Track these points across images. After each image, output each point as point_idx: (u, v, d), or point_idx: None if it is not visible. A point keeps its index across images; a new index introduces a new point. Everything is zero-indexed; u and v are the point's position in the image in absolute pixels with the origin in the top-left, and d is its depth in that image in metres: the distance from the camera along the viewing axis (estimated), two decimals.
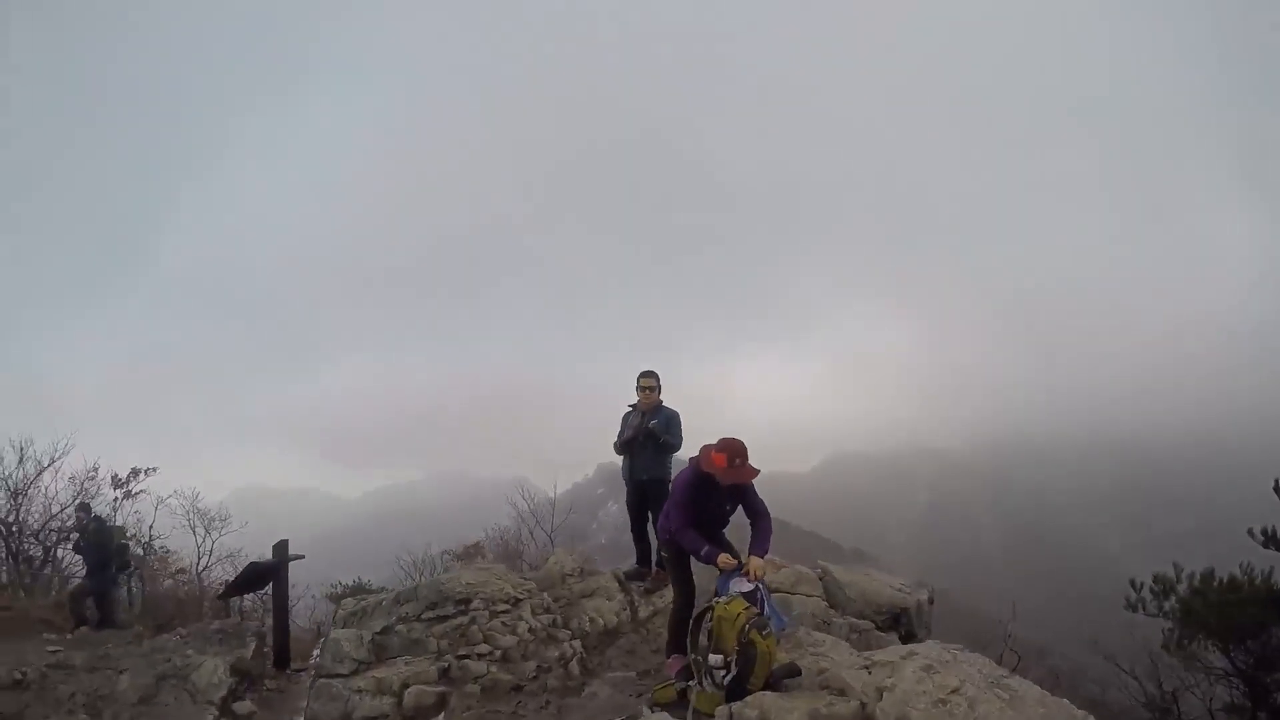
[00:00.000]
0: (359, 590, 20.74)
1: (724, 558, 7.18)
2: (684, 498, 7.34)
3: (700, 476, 7.24)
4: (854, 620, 10.32)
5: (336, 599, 20.62)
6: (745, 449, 7.14)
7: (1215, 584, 13.25)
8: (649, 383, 10.74)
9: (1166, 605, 13.47)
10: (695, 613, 7.13)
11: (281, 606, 10.46)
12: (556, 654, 9.06)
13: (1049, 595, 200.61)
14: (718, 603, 6.75)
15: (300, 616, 20.14)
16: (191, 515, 20.54)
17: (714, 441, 7.28)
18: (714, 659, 6.43)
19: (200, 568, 19.90)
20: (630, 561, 11.89)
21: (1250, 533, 13.63)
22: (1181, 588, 13.56)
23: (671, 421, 10.69)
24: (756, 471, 7.25)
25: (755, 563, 7.20)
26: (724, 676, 6.32)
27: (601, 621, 10.19)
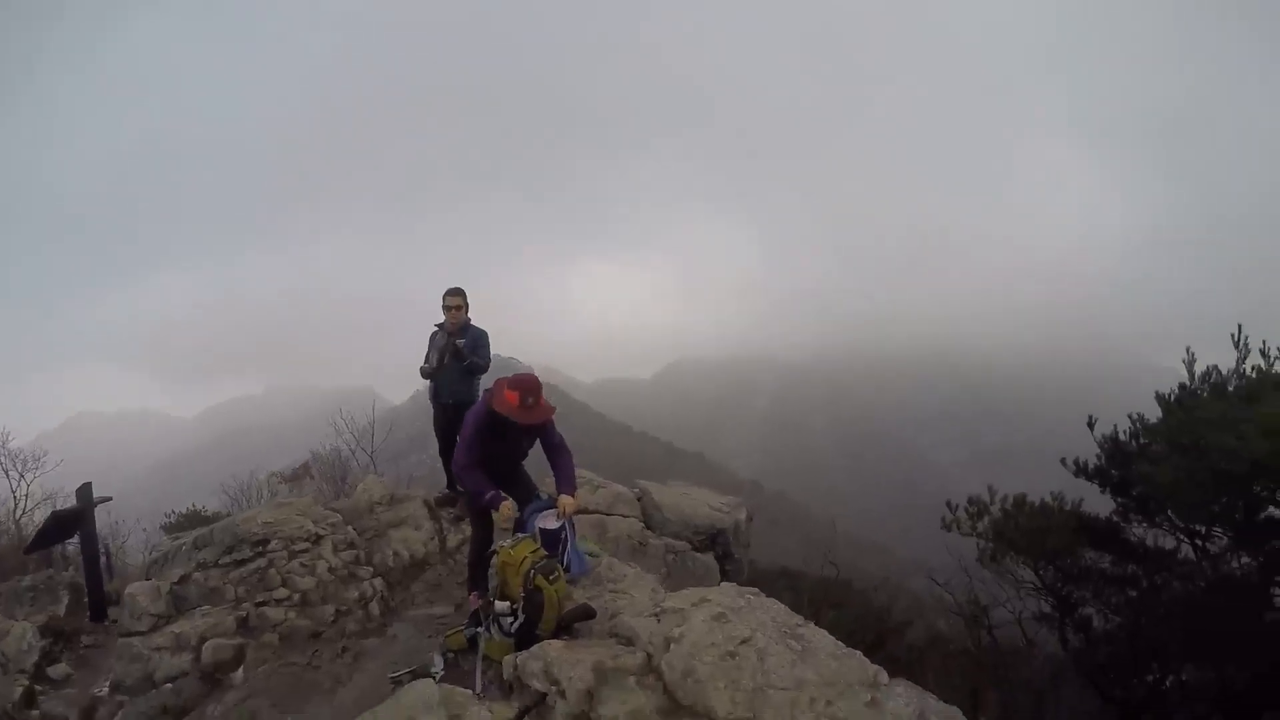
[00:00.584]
0: (194, 518, 20.30)
1: (505, 507, 6.73)
2: (472, 435, 6.83)
3: (492, 414, 6.74)
4: (670, 541, 10.22)
5: (170, 530, 19.88)
6: (539, 386, 6.71)
7: (1026, 509, 13.57)
8: (455, 301, 10.07)
9: (980, 526, 13.74)
10: (483, 556, 6.86)
11: (91, 555, 9.54)
12: (356, 594, 8.49)
13: (880, 499, 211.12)
14: (502, 546, 6.44)
15: (136, 554, 19.39)
16: (2, 458, 19.07)
17: (509, 376, 6.85)
18: (500, 605, 6.12)
19: (18, 514, 18.60)
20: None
21: (1063, 462, 13.90)
22: (995, 509, 13.83)
23: (479, 341, 10.11)
24: (551, 410, 6.87)
25: (566, 502, 6.85)
26: (511, 624, 6.01)
27: (407, 554, 9.60)
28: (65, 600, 9.53)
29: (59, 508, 10.14)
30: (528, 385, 6.62)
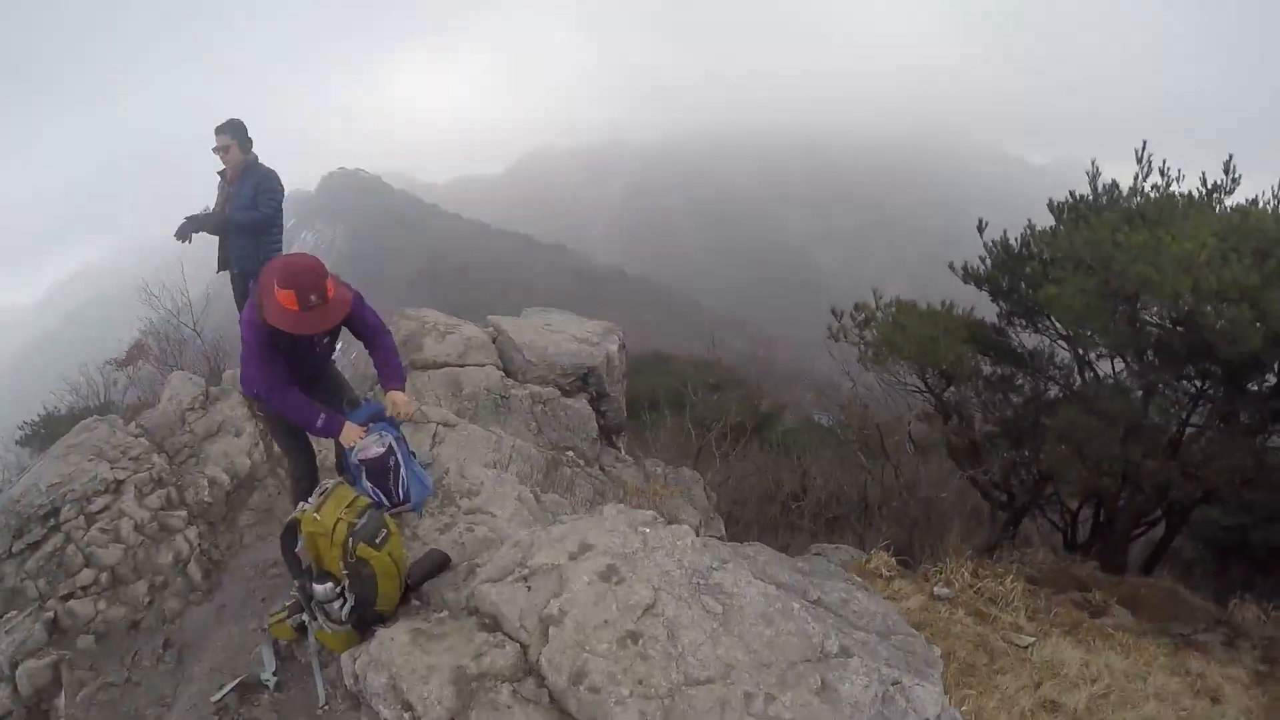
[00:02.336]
0: (49, 421, 18.29)
1: (349, 430, 5.12)
2: (261, 351, 4.91)
3: (270, 327, 4.82)
4: (536, 389, 9.05)
5: (27, 443, 18.26)
6: (323, 273, 4.72)
7: (915, 315, 13.09)
8: (222, 140, 7.87)
9: (867, 335, 13.16)
10: (282, 529, 4.95)
11: None
12: (170, 556, 6.47)
13: (741, 275, 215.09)
14: (303, 511, 4.66)
15: None
16: None
17: (278, 264, 4.87)
18: (320, 590, 4.50)
19: None
20: None
21: (951, 267, 13.64)
22: (881, 316, 13.29)
23: (260, 188, 7.92)
24: (348, 301, 4.90)
25: (397, 400, 5.30)
26: (341, 608, 4.46)
27: (228, 476, 7.44)
28: None
29: None
30: (305, 278, 4.60)
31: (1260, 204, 11.51)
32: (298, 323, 4.64)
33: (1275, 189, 11.54)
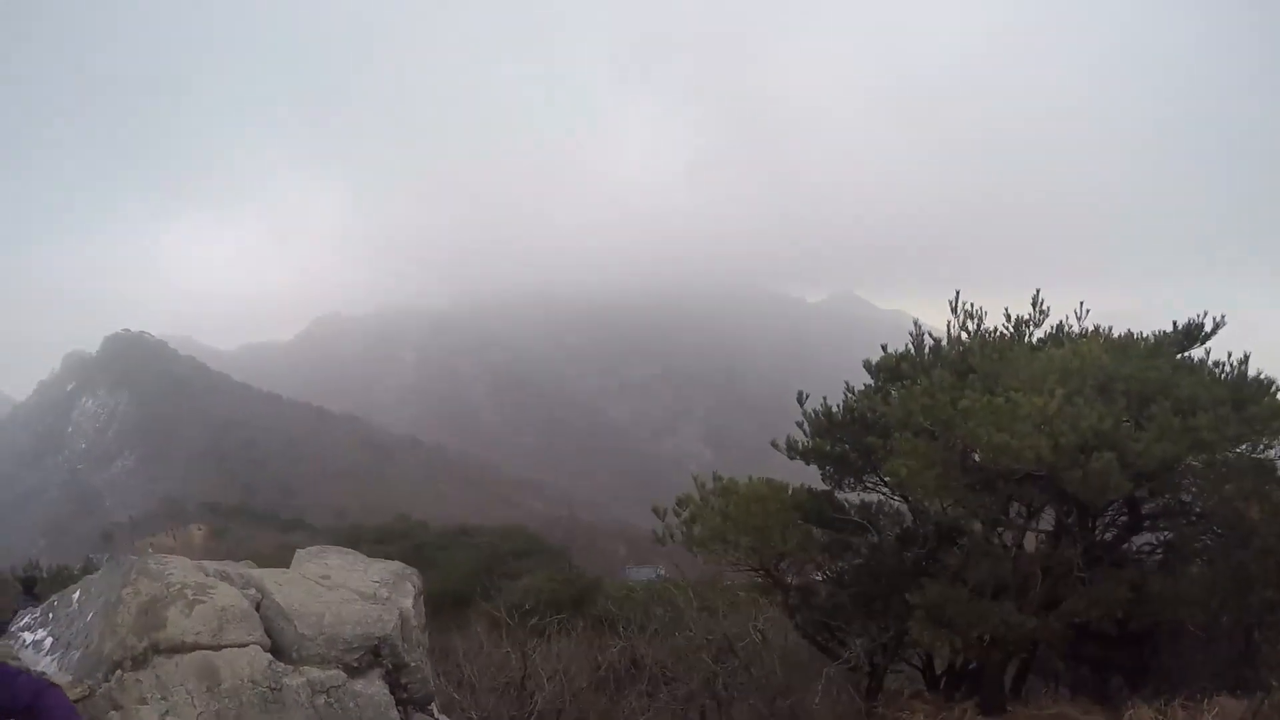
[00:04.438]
0: None
1: None
2: None
3: None
4: (315, 674, 6.91)
5: None
6: None
7: (737, 496, 12.24)
8: None
9: (695, 529, 12.11)
10: None
11: None
12: None
13: (536, 436, 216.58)
14: None
15: None
16: None
17: None
18: None
19: None
20: None
21: (774, 445, 13.01)
22: (704, 504, 12.33)
23: None
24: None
25: None
26: None
27: None
28: None
29: None
30: None
31: (1068, 333, 11.81)
32: None
33: (1078, 313, 11.87)
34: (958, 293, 11.93)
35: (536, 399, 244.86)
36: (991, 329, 11.80)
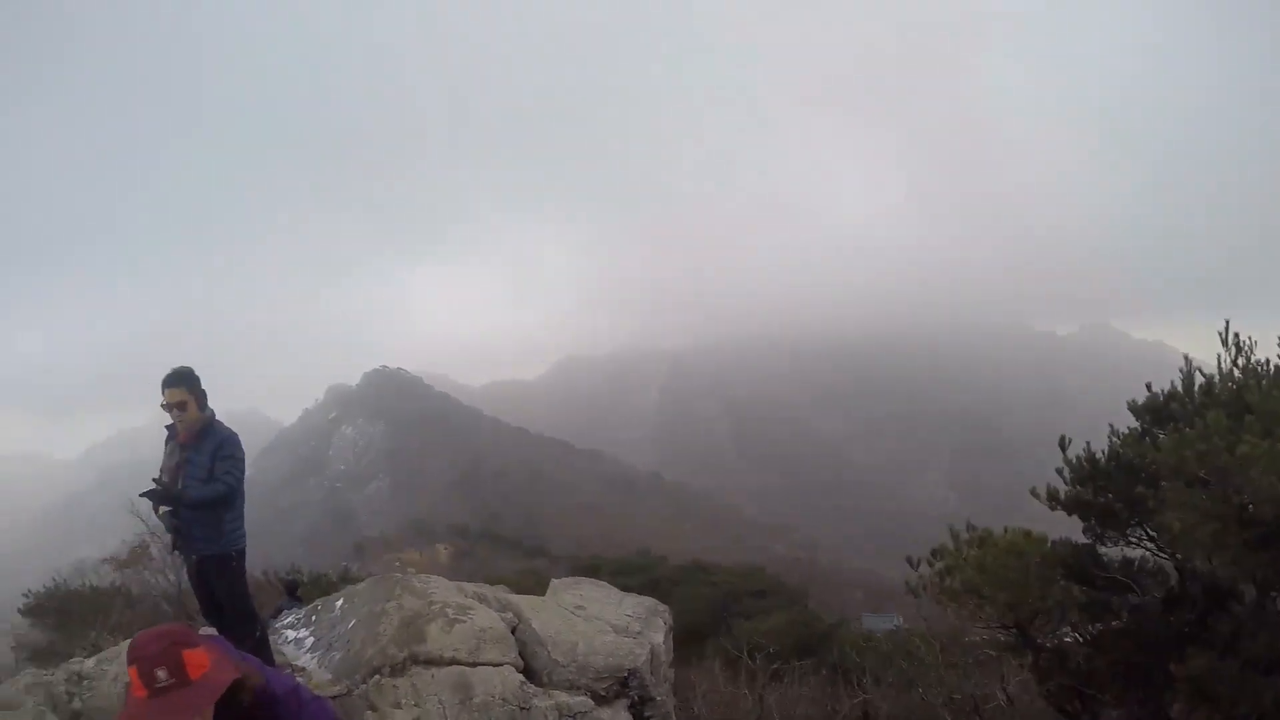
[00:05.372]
0: (55, 594, 18.86)
1: None
2: None
3: None
4: (563, 699, 7.27)
5: (28, 612, 18.49)
6: (181, 640, 2.97)
7: (993, 548, 11.51)
8: (176, 395, 6.44)
9: (949, 582, 11.59)
10: None
11: None
12: None
13: (780, 478, 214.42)
14: None
15: None
16: None
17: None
18: None
19: None
20: None
21: (1034, 493, 11.96)
22: (959, 555, 11.77)
23: (219, 454, 6.44)
24: (219, 686, 2.99)
25: None
26: None
27: None
28: None
29: None
30: (150, 647, 2.94)
31: None
32: (142, 714, 2.88)
33: None
34: (1227, 322, 10.70)
35: (777, 440, 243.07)
36: (1263, 361, 10.43)
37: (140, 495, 6.52)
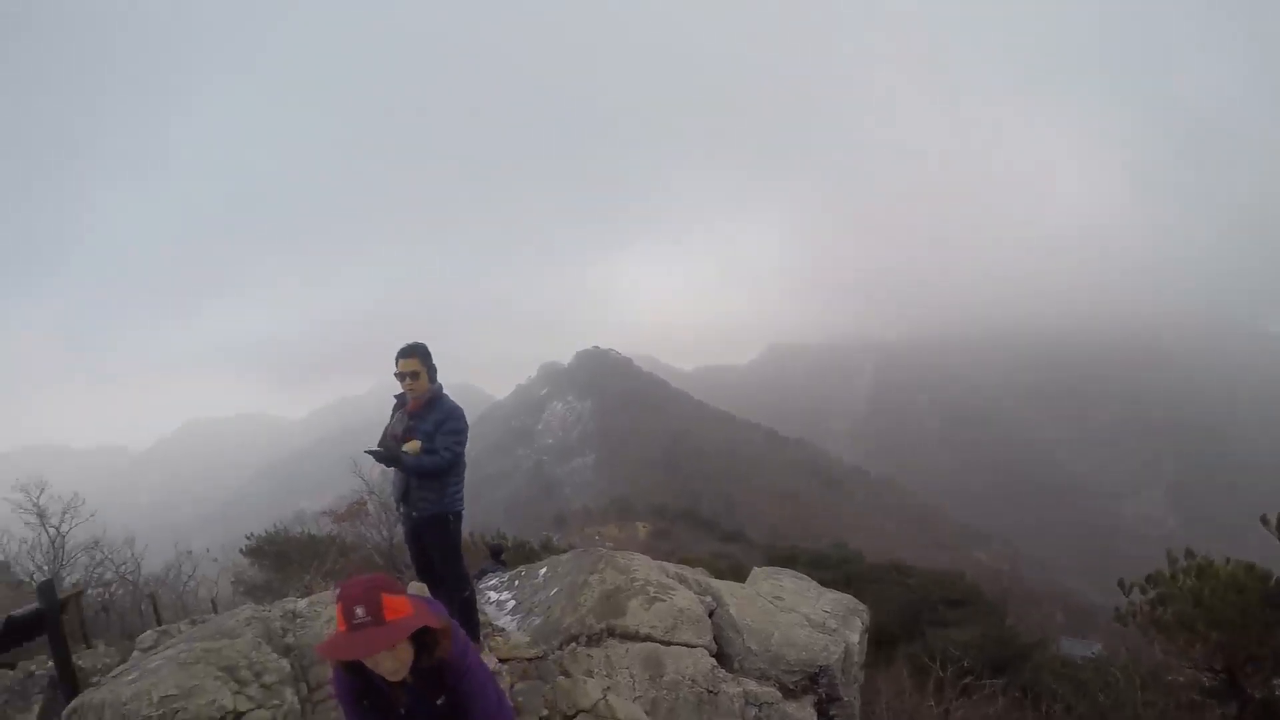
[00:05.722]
0: (274, 539, 20.43)
1: None
2: (344, 699, 3.73)
3: (339, 667, 3.66)
4: (752, 687, 7.41)
5: (250, 553, 20.22)
6: (381, 585, 3.42)
7: (1212, 579, 10.91)
8: (409, 365, 6.84)
9: (1162, 614, 11.11)
10: None
11: (63, 662, 7.39)
12: None
13: (988, 481, 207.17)
14: None
15: (210, 587, 18.71)
16: (38, 511, 17.53)
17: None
18: None
19: (53, 570, 17.20)
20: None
21: (1265, 521, 11.06)
22: (1176, 583, 11.22)
23: (443, 427, 6.83)
24: (406, 627, 3.38)
25: None
26: None
27: None
28: (37, 707, 7.51)
29: (14, 611, 7.92)
30: (355, 588, 3.40)
31: None
32: (336, 646, 3.38)
33: None
34: None
35: (988, 441, 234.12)
36: None
37: (365, 452, 6.92)
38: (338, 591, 3.46)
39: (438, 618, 3.59)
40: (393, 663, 3.41)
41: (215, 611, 14.41)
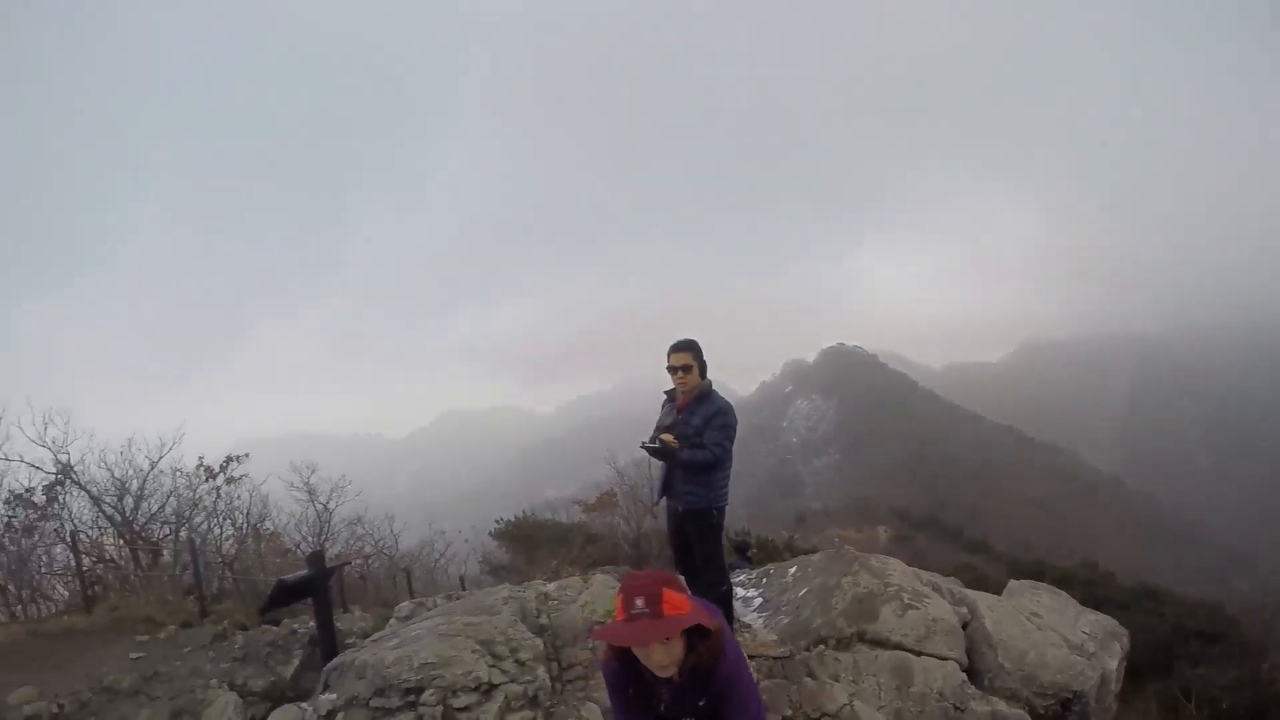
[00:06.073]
0: (523, 524, 21.32)
1: None
2: (611, 686, 3.96)
3: (611, 656, 3.86)
4: (1001, 707, 7.10)
5: (498, 535, 21.28)
6: (663, 581, 3.56)
7: None
8: (682, 360, 6.97)
9: None
10: None
11: (325, 624, 8.30)
12: None
13: (1256, 500, 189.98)
14: None
15: (459, 565, 20.29)
16: (309, 489, 19.44)
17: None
18: None
19: (321, 543, 18.84)
20: None
21: None
22: None
23: (711, 423, 6.91)
24: (680, 621, 3.48)
25: None
26: None
27: None
28: (296, 661, 8.29)
29: (285, 577, 8.79)
30: (638, 580, 3.57)
31: None
32: (613, 633, 3.61)
33: None
34: None
35: (1259, 453, 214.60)
36: None
37: (641, 446, 7.09)
38: (622, 582, 3.68)
39: (713, 621, 3.70)
40: (663, 656, 3.54)
41: (463, 588, 15.34)
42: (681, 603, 3.54)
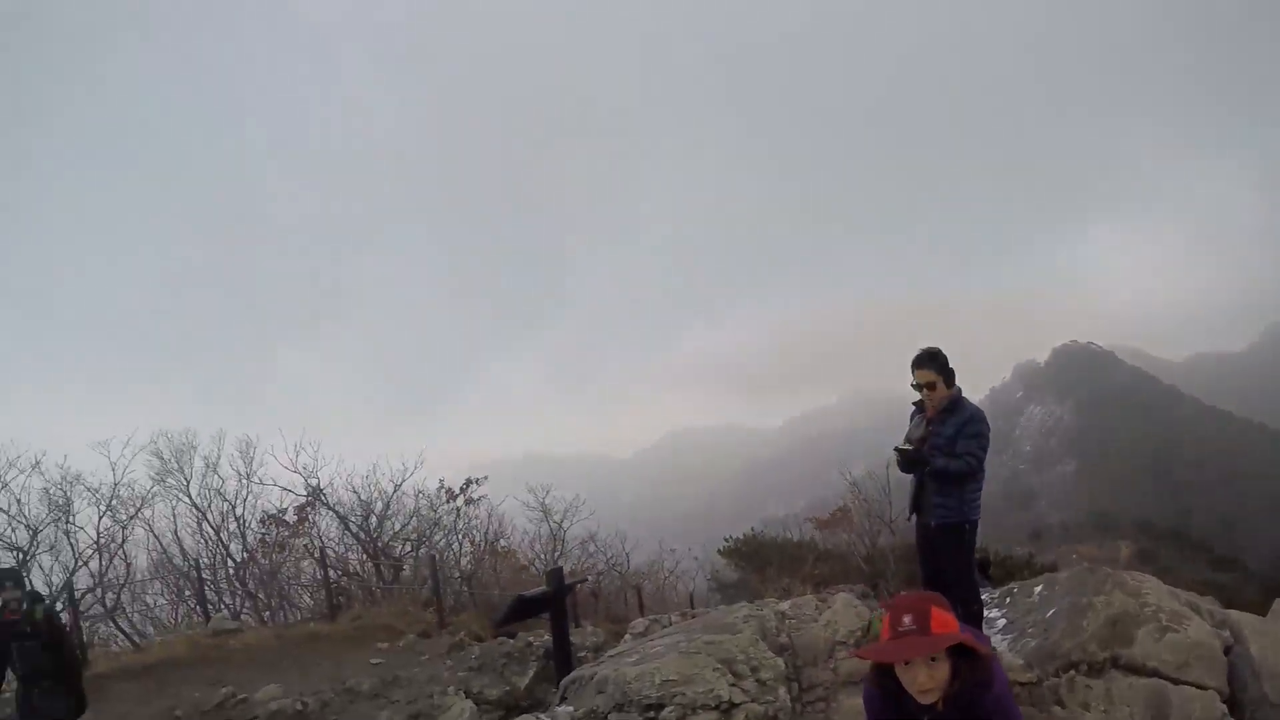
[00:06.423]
0: (750, 542, 21.34)
1: None
2: (870, 714, 3.80)
3: (873, 674, 3.69)
4: None
5: (726, 553, 21.50)
6: (931, 600, 3.45)
7: None
8: (925, 376, 6.85)
9: None
10: None
11: (561, 638, 8.73)
12: None
13: None
14: None
15: (688, 581, 20.72)
16: (544, 509, 20.31)
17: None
18: None
19: (554, 559, 19.54)
20: None
21: None
22: None
23: (963, 432, 6.81)
24: (947, 638, 3.34)
25: None
26: None
27: None
28: (532, 672, 8.70)
29: (525, 592, 9.28)
30: (906, 599, 3.53)
31: None
32: (878, 650, 3.54)
33: None
34: None
35: None
36: None
37: (895, 450, 7.06)
38: (891, 601, 3.63)
39: (982, 645, 3.61)
40: (927, 679, 3.38)
41: (692, 605, 15.53)
42: (950, 622, 3.42)
